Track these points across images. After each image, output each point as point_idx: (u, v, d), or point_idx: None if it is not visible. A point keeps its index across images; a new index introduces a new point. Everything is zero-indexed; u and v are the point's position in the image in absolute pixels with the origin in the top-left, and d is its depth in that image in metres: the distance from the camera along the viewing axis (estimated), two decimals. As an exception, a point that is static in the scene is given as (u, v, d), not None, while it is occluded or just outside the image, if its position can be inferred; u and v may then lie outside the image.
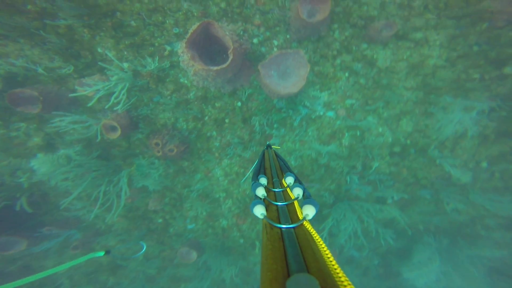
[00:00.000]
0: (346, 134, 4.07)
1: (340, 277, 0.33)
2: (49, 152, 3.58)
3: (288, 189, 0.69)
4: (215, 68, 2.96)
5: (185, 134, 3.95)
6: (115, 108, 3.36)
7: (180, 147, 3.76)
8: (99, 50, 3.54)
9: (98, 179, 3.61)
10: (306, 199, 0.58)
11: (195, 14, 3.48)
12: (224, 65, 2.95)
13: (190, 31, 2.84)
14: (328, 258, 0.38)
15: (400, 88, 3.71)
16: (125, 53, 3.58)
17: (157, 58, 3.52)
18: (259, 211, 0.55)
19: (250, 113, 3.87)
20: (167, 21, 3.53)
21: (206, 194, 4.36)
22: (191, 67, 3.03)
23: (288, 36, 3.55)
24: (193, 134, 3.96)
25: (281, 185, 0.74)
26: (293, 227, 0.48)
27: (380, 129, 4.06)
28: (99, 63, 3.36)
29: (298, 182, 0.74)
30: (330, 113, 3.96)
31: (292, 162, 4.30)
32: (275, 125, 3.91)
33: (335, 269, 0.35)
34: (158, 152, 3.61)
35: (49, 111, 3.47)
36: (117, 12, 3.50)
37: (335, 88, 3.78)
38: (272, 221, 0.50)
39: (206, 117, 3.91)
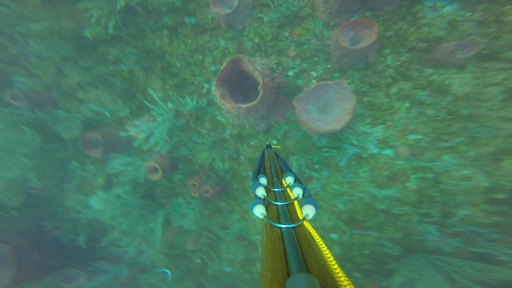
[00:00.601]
0: (413, 177, 3.18)
1: (340, 277, 0.32)
2: (106, 190, 4.00)
3: (288, 189, 0.67)
4: (244, 106, 2.77)
5: (221, 174, 3.83)
6: (155, 150, 3.53)
7: (215, 188, 3.64)
8: (150, 91, 3.88)
9: (142, 218, 3.79)
10: (306, 199, 0.56)
11: (231, 50, 3.47)
12: (253, 102, 2.73)
13: (221, 68, 2.78)
14: (328, 258, 0.37)
15: (493, 119, 2.69)
16: (170, 93, 3.82)
17: (195, 97, 3.60)
18: (259, 211, 0.54)
19: (286, 152, 3.48)
20: (206, 60, 3.63)
21: (242, 236, 4.05)
22: (223, 105, 2.93)
23: (328, 66, 3.10)
24: (229, 174, 3.81)
25: (281, 185, 0.72)
26: (293, 227, 0.46)
27: (466, 171, 3.01)
28: (144, 102, 3.63)
29: (298, 182, 0.72)
30: (388, 151, 3.19)
31: (340, 206, 3.61)
32: (316, 166, 3.39)
33: (335, 269, 0.34)
34: (195, 193, 3.57)
35: (108, 152, 3.92)
36: (167, 54, 3.81)
37: (392, 122, 3.04)
38: (272, 221, 0.49)
39: (242, 157, 3.71)
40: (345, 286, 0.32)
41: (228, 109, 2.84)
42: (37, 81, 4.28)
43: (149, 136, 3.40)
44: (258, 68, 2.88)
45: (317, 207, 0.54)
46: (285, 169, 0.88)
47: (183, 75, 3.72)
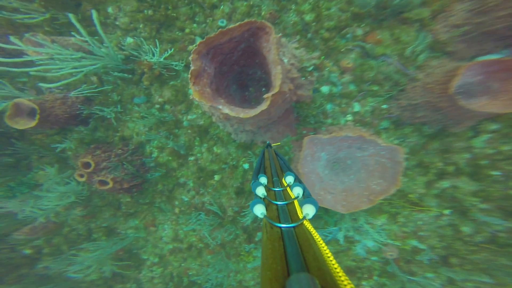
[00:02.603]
0: (375, 278, 2.41)
1: (340, 277, 0.32)
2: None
3: (288, 189, 0.65)
4: (225, 110, 1.46)
5: (147, 165, 2.50)
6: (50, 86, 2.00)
7: (122, 183, 2.28)
8: (110, 10, 2.25)
9: None
10: (306, 198, 0.55)
11: (263, 12, 2.02)
12: (241, 114, 1.44)
13: (222, 30, 1.39)
14: (328, 257, 0.37)
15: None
16: (141, 27, 2.22)
17: (171, 50, 2.14)
18: (259, 210, 0.52)
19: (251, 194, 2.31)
20: (220, 7, 2.10)
21: (129, 248, 2.89)
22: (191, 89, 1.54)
23: (384, 107, 1.93)
24: (160, 171, 2.49)
25: (281, 184, 0.69)
26: (293, 227, 0.45)
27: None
28: (70, 16, 2.00)
29: (298, 181, 0.69)
30: (370, 243, 2.28)
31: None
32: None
33: (335, 268, 0.34)
34: (82, 176, 2.17)
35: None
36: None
37: (406, 219, 2.19)
38: (272, 220, 0.47)
39: (192, 158, 2.41)
40: (345, 285, 0.31)
41: (197, 98, 1.48)
42: None
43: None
44: (285, 60, 1.56)
45: (317, 206, 0.52)
46: (285, 168, 0.83)
47: (176, 12, 2.16)
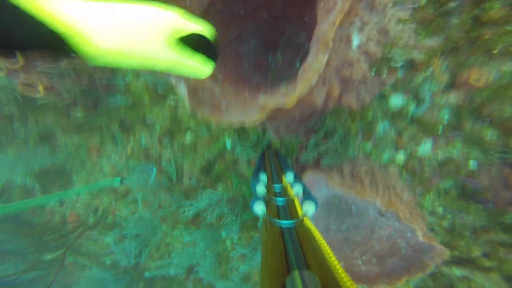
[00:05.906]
0: None
1: (340, 274, 0.32)
2: None
3: (288, 186, 0.64)
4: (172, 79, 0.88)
5: (117, 87, 1.89)
6: None
7: (61, 92, 1.68)
8: None
9: None
10: (306, 195, 0.56)
11: None
12: (189, 101, 0.86)
13: None
14: (328, 254, 0.36)
15: None
16: None
17: None
18: (259, 208, 0.52)
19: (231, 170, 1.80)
20: None
21: (62, 164, 2.45)
22: None
23: (472, 163, 1.31)
24: (127, 101, 1.89)
25: (281, 181, 0.68)
26: (293, 224, 0.45)
27: None
28: None
29: (298, 179, 0.69)
30: None
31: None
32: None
33: (335, 265, 0.33)
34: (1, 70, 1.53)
35: None
36: None
37: None
38: (272, 218, 0.47)
39: (172, 103, 1.82)
40: (345, 282, 0.30)
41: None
42: None
43: None
44: (356, 42, 0.87)
45: (317, 204, 0.52)
46: (285, 166, 0.81)
47: None
